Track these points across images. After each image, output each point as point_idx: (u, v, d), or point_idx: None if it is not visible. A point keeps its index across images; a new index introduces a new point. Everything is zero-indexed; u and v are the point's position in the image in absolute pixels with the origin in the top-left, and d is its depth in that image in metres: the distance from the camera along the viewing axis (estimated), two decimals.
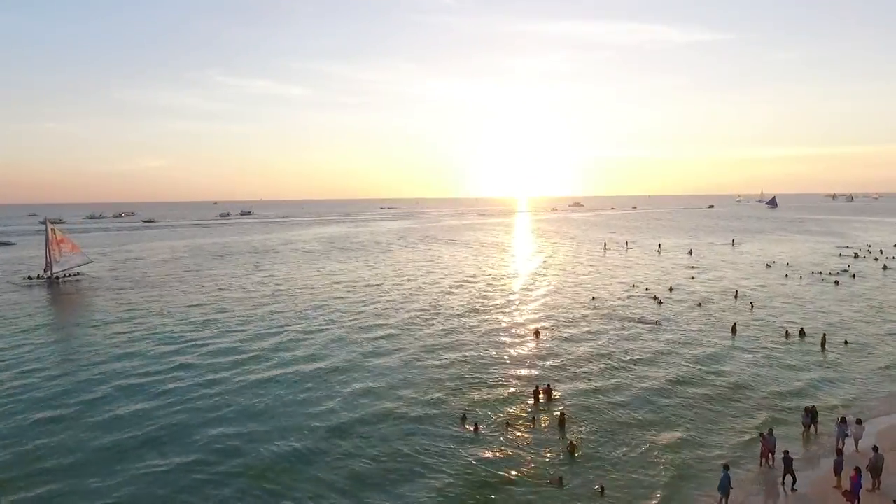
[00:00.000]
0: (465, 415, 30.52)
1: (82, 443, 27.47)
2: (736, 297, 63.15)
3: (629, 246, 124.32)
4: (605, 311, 56.56)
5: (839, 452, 24.21)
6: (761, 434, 26.41)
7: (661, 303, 60.61)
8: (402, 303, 62.03)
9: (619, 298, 63.37)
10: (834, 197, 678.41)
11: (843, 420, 27.15)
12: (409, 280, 78.23)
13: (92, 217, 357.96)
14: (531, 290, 69.54)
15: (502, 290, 69.75)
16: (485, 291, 69.05)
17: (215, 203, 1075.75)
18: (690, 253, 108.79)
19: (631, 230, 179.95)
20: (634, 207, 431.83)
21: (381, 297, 65.65)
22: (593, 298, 63.35)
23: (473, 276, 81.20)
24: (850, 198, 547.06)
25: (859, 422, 27.07)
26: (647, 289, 69.26)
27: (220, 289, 72.60)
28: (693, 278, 76.81)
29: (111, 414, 30.84)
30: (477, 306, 59.74)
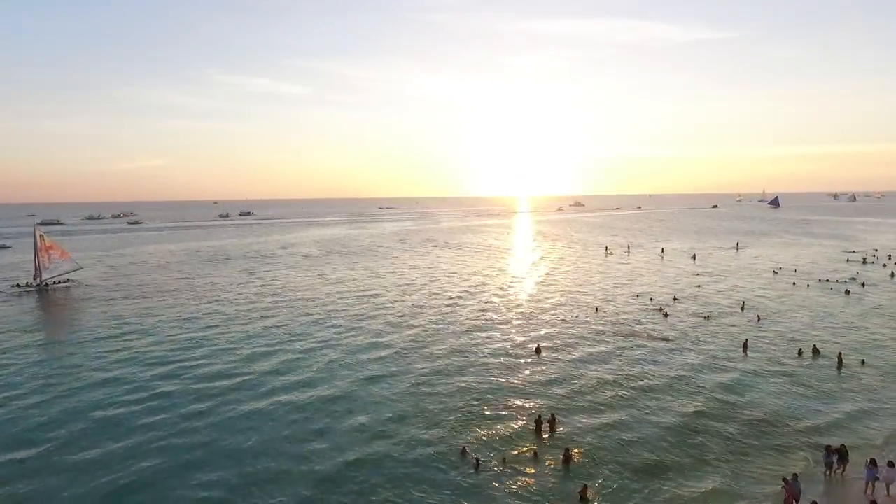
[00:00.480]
0: (464, 448, 28.77)
1: (50, 494, 25.32)
2: (742, 308, 61.34)
3: (630, 250, 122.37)
4: (611, 325, 54.54)
5: None
6: (784, 479, 24.38)
7: (667, 315, 58.60)
8: (403, 316, 59.95)
9: (625, 311, 61.30)
10: (835, 196, 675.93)
11: (874, 462, 25.14)
12: (410, 291, 75.98)
13: (91, 218, 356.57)
14: (534, 301, 67.42)
15: (505, 302, 67.60)
16: (487, 303, 66.94)
17: (215, 203, 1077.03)
18: (694, 258, 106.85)
19: (633, 232, 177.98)
20: (639, 207, 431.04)
21: (382, 309, 63.55)
22: (597, 310, 61.38)
23: (475, 286, 79.10)
24: (853, 197, 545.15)
25: (891, 464, 25.00)
26: (651, 299, 67.32)
27: (214, 300, 70.62)
28: (699, 287, 74.76)
29: (85, 456, 28.62)
30: (480, 322, 57.59)
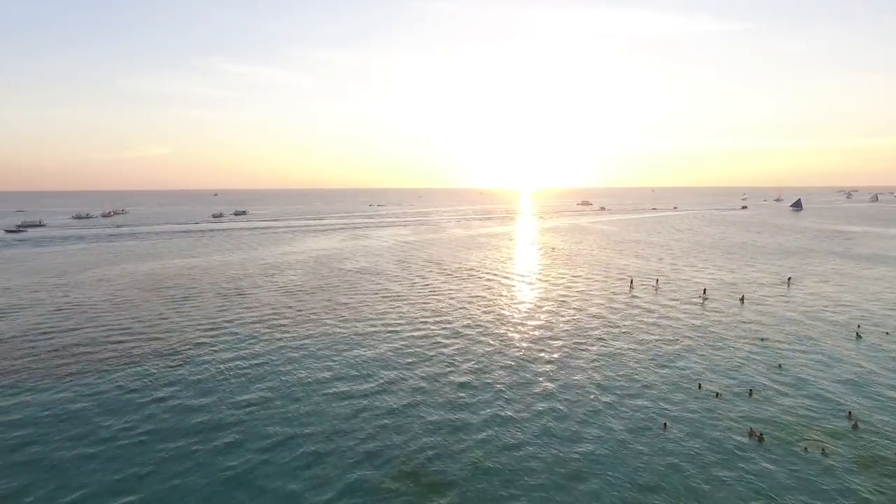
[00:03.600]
0: None
1: None
2: (855, 426, 44.25)
3: (659, 285, 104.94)
4: (690, 464, 37.88)
5: None
6: None
7: (761, 439, 42.20)
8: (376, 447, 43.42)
9: (696, 422, 44.70)
10: (848, 195, 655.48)
11: None
12: (394, 381, 59.50)
13: (78, 217, 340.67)
14: (561, 400, 50.64)
15: (518, 394, 50.91)
16: (496, 391, 50.27)
17: (215, 194, 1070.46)
18: (742, 300, 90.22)
19: (657, 249, 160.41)
20: (675, 208, 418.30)
21: (354, 423, 47.01)
22: (665, 426, 44.55)
23: (480, 354, 62.27)
24: (875, 197, 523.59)
25: None
26: (718, 394, 50.95)
27: (153, 385, 53.66)
28: (780, 367, 57.84)
29: None
30: (489, 436, 41.09)
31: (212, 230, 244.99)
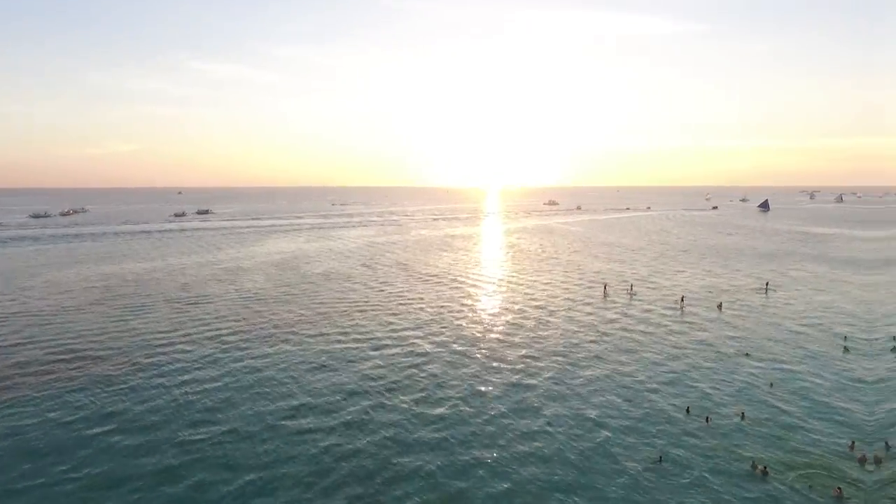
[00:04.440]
0: None
1: None
2: (863, 459, 41.19)
3: (634, 292, 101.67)
4: None
5: None
6: None
7: (765, 473, 39.00)
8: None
9: (690, 455, 41.02)
10: (811, 195, 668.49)
11: None
12: (364, 411, 54.77)
13: (36, 216, 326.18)
14: (551, 435, 46.62)
15: (502, 427, 46.76)
16: (479, 425, 45.99)
17: (179, 192, 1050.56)
18: (720, 307, 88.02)
19: (630, 252, 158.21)
20: (648, 208, 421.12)
21: (317, 468, 42.14)
22: (661, 460, 40.86)
23: (457, 378, 57.86)
24: (840, 197, 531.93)
25: None
26: (707, 419, 47.82)
27: (76, 426, 47.96)
28: (771, 386, 54.83)
29: None
30: (473, 485, 36.72)
31: (172, 230, 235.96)
